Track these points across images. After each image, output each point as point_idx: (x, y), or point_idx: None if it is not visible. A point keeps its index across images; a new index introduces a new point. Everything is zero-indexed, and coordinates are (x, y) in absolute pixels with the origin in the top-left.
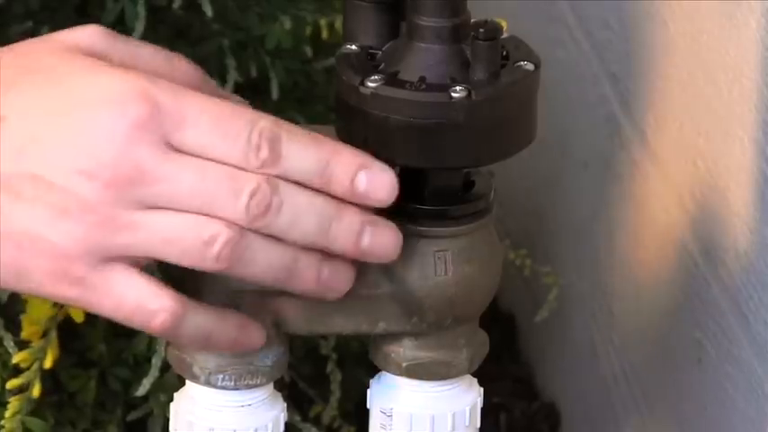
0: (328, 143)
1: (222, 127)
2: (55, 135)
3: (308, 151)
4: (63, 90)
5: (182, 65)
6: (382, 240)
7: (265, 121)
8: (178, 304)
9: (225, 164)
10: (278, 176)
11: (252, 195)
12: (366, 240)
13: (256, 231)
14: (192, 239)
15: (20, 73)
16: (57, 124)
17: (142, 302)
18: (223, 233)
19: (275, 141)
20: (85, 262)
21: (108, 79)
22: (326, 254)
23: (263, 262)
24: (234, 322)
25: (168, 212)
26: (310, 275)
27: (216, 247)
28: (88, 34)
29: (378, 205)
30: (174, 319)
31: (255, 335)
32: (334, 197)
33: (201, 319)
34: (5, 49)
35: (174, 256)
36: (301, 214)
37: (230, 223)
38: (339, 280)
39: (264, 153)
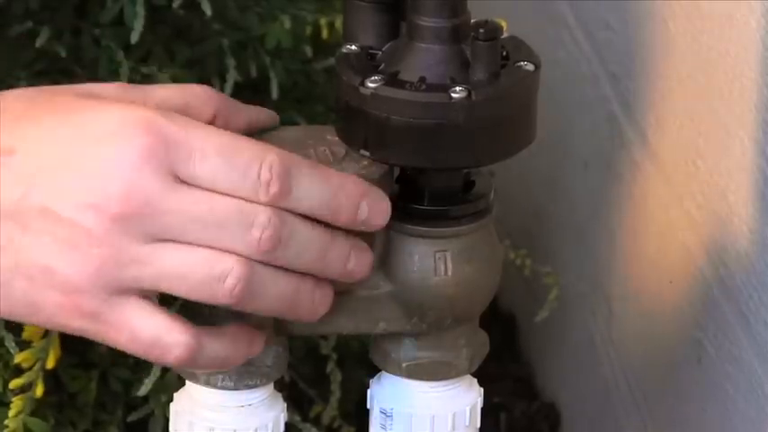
0: (334, 175)
1: (231, 160)
2: (63, 168)
3: (317, 185)
4: (72, 124)
5: (196, 93)
6: (362, 263)
7: (274, 155)
8: (193, 339)
9: (234, 197)
10: (287, 209)
11: (263, 229)
12: (351, 264)
13: (264, 263)
14: (203, 275)
15: (30, 107)
16: (65, 157)
17: (158, 337)
18: (235, 269)
19: (285, 175)
20: (96, 295)
21: (115, 113)
22: (317, 278)
23: (272, 294)
24: (244, 340)
25: (177, 246)
26: (307, 303)
27: (228, 284)
28: (102, 86)
29: (373, 230)
30: (191, 352)
31: (260, 342)
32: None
33: (216, 348)
34: (20, 90)
35: (184, 290)
36: (305, 245)
37: (240, 257)
38: (325, 303)
39: (275, 187)
